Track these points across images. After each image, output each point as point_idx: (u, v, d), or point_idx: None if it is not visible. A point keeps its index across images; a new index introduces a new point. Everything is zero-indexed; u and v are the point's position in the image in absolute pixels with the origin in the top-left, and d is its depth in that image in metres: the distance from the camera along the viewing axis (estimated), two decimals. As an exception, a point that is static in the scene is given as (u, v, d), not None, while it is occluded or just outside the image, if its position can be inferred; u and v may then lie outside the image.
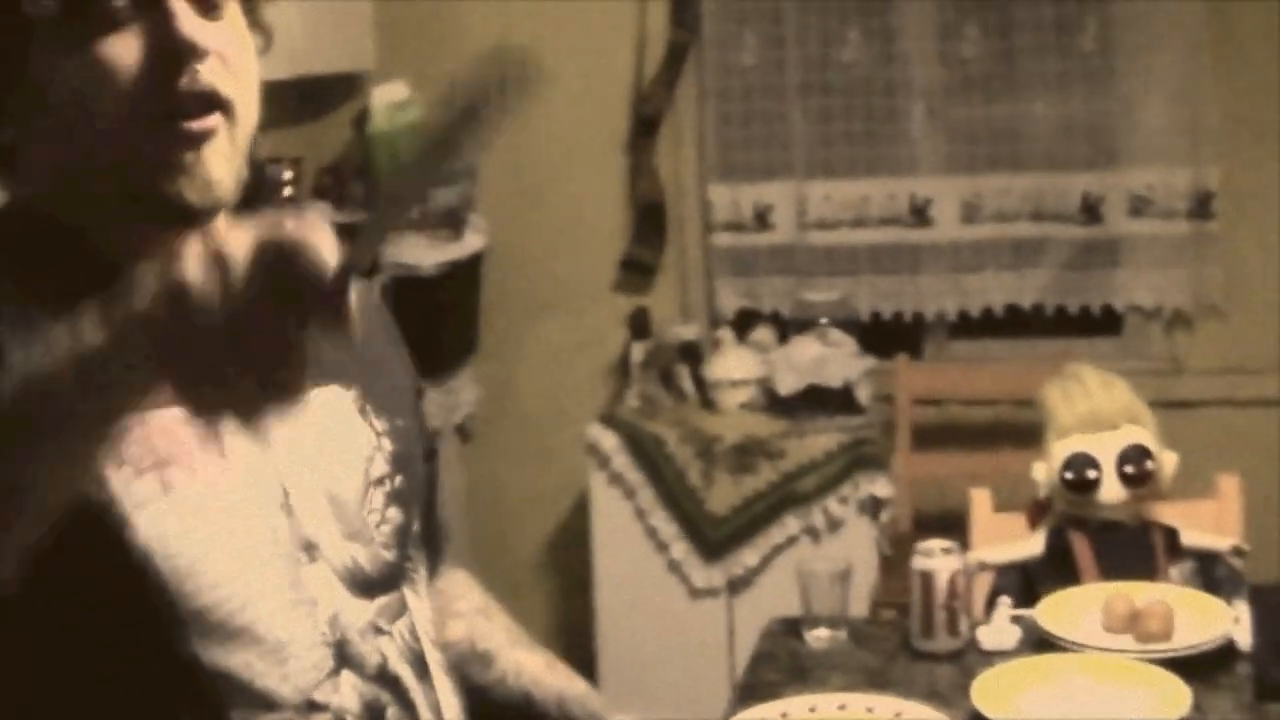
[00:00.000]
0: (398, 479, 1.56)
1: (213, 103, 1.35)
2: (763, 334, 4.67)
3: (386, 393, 1.60)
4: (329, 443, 1.49)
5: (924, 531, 4.27)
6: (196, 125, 1.34)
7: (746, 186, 4.84)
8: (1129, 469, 2.86)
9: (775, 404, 4.47)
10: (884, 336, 4.75)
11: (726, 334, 4.63)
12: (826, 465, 4.29)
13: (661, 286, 4.91)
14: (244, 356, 1.10)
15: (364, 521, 1.50)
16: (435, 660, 1.56)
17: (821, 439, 4.33)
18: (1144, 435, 2.90)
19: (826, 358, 4.44)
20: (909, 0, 4.69)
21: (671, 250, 4.90)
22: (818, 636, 2.69)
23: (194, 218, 1.37)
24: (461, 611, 1.82)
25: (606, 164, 4.90)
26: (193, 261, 1.08)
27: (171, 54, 1.33)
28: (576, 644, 4.42)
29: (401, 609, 1.53)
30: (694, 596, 4.38)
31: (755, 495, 4.32)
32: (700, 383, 4.58)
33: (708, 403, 4.55)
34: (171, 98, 1.33)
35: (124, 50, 1.33)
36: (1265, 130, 4.57)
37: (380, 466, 1.54)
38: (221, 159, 1.37)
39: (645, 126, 4.83)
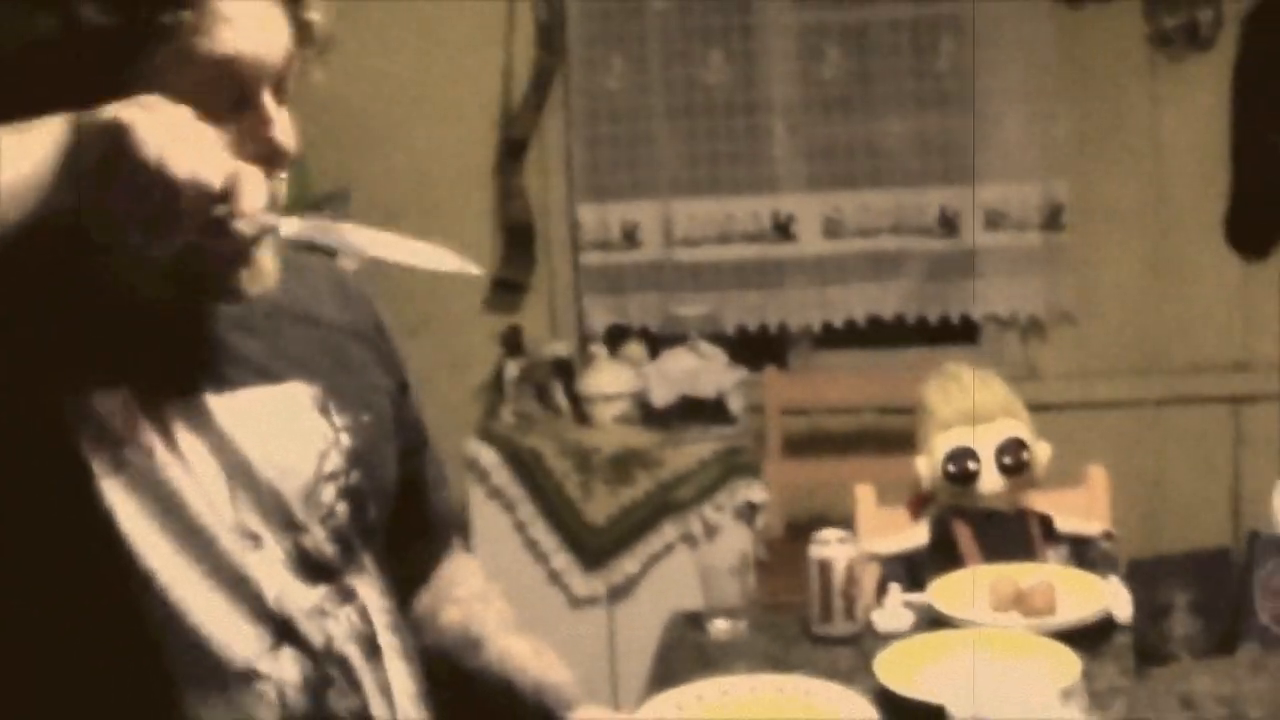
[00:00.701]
0: (353, 475, 1.60)
1: (277, 200, 1.45)
2: (633, 349, 4.78)
3: (354, 389, 1.65)
4: (280, 438, 1.54)
5: (796, 536, 4.42)
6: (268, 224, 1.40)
7: (614, 206, 4.95)
8: (1007, 460, 3.01)
9: (649, 416, 4.59)
10: (751, 349, 4.88)
11: (599, 349, 4.74)
12: (702, 473, 4.41)
13: (532, 305, 5.01)
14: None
15: (309, 514, 1.55)
16: (389, 644, 1.62)
17: (696, 448, 4.45)
18: (1019, 428, 3.05)
19: (698, 370, 4.56)
20: (770, 23, 4.84)
21: (541, 269, 5.00)
22: (719, 627, 2.80)
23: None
24: (459, 597, 1.91)
25: (476, 186, 4.99)
26: None
27: (263, 159, 1.41)
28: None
29: (349, 595, 1.59)
30: (575, 606, 4.47)
31: (633, 504, 4.42)
32: (574, 398, 4.68)
33: (582, 417, 4.65)
34: None
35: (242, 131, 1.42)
36: (1112, 145, 4.79)
37: (334, 462, 1.58)
38: (271, 248, 1.48)
39: (513, 149, 4.93)
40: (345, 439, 1.60)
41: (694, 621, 2.84)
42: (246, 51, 1.40)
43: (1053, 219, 4.82)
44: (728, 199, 4.93)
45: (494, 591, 1.97)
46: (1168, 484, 4.70)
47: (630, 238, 4.96)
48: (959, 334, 4.97)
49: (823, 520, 3.47)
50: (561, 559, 4.45)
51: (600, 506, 4.42)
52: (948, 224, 4.87)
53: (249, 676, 1.47)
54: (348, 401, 1.62)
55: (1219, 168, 4.78)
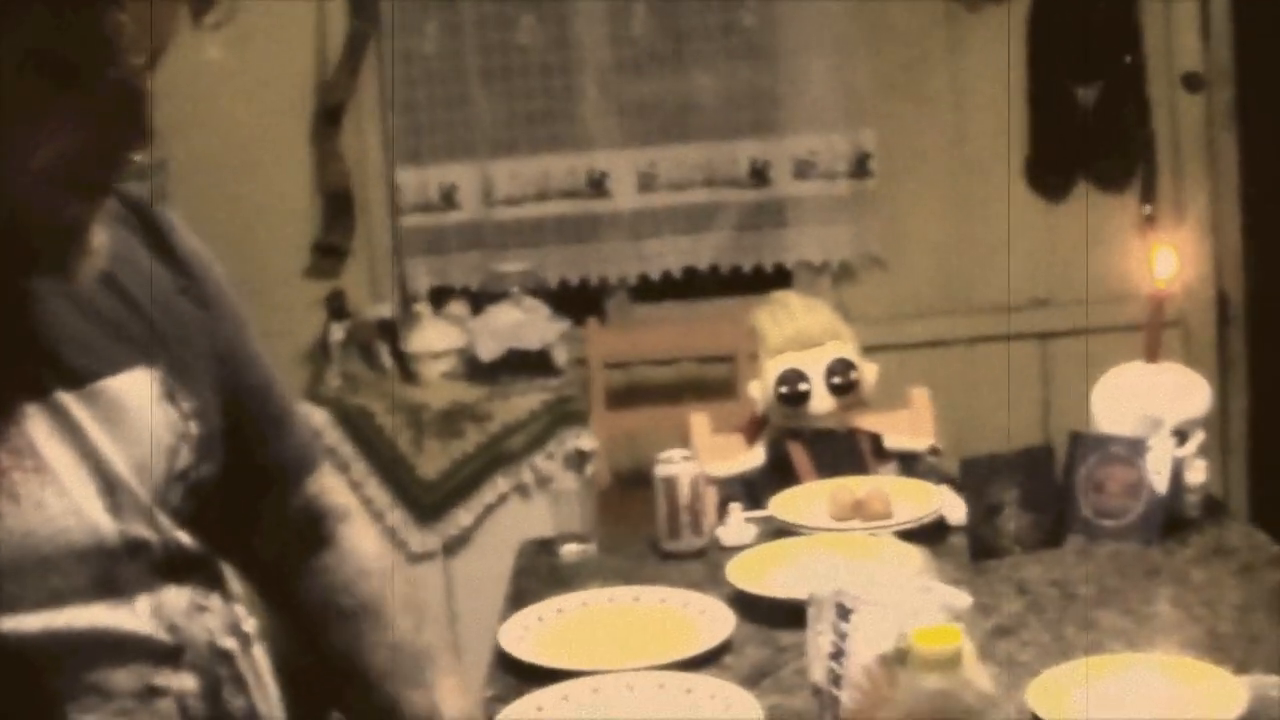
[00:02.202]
0: (203, 466, 1.55)
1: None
2: (456, 307, 4.84)
3: (192, 366, 1.58)
4: (133, 432, 1.48)
5: (623, 486, 4.53)
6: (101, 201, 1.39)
7: (432, 168, 5.00)
8: (836, 380, 3.14)
9: (476, 371, 4.65)
10: (572, 304, 4.96)
11: (424, 308, 4.78)
12: (531, 424, 4.48)
13: (353, 269, 5.04)
14: None
15: (170, 510, 1.50)
16: (252, 628, 1.59)
17: (524, 400, 4.52)
18: (847, 349, 3.18)
19: (523, 323, 4.64)
20: (580, -16, 4.93)
21: (361, 233, 5.03)
22: (569, 550, 2.88)
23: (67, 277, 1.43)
24: (346, 609, 1.77)
25: (292, 153, 5.00)
26: None
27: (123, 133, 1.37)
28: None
29: (215, 583, 1.56)
30: (411, 561, 4.50)
31: (465, 458, 4.48)
32: (400, 357, 4.73)
33: (409, 376, 4.70)
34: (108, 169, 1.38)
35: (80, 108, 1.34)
36: (914, 93, 4.95)
37: (185, 456, 1.53)
38: (105, 224, 1.42)
39: (329, 115, 4.95)
40: (194, 426, 1.54)
41: (544, 547, 2.92)
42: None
43: (859, 167, 4.97)
44: (544, 158, 5.00)
45: (392, 599, 1.80)
46: (980, 420, 4.85)
47: (449, 199, 5.01)
48: (773, 282, 5.08)
49: (646, 470, 3.55)
50: (396, 515, 4.49)
51: (432, 462, 4.48)
52: (758, 175, 5.00)
53: (148, 694, 1.44)
54: (190, 383, 1.56)
55: (1017, 113, 4.96)
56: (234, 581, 1.61)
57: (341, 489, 1.85)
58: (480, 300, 4.87)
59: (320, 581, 1.77)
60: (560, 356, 4.67)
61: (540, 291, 4.87)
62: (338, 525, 1.79)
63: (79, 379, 1.44)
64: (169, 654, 1.46)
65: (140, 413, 1.48)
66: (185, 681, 1.46)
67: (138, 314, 1.53)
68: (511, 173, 4.99)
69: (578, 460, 4.50)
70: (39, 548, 1.37)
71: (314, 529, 1.77)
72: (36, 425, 1.40)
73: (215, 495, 1.58)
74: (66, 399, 1.43)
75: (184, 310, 1.60)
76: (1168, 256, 2.80)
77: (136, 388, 1.49)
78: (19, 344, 1.42)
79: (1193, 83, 4.91)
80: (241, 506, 1.69)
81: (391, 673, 1.74)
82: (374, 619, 1.75)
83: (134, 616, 1.44)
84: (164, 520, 1.48)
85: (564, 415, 4.51)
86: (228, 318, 1.67)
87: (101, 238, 1.40)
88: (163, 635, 1.46)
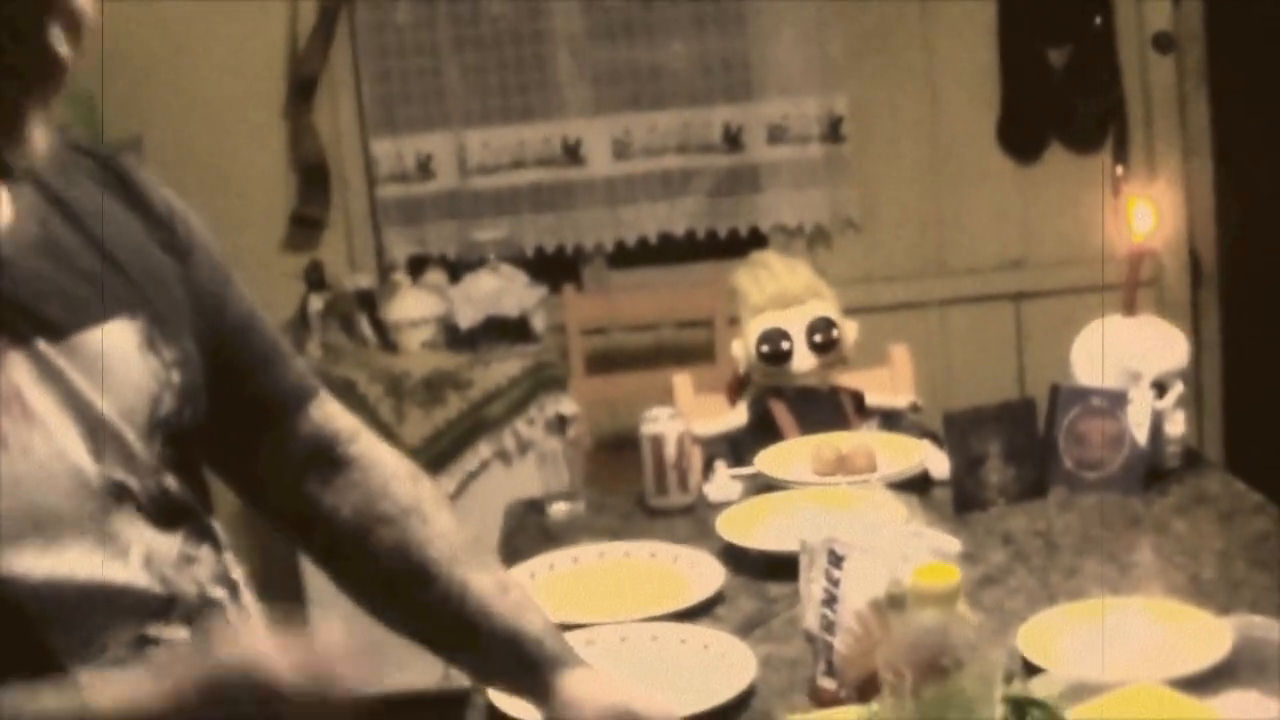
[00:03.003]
0: (186, 413, 1.56)
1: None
2: (434, 276, 4.86)
3: (172, 315, 1.58)
4: (116, 381, 1.49)
5: (603, 451, 4.55)
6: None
7: (408, 138, 5.02)
8: (817, 338, 3.17)
9: (456, 339, 4.68)
10: (549, 271, 4.99)
11: (402, 278, 4.80)
12: (512, 390, 4.51)
13: (330, 240, 5.06)
14: None
15: (156, 457, 1.51)
16: (240, 576, 1.61)
17: (505, 366, 4.55)
18: (828, 308, 3.21)
19: (501, 290, 4.66)
20: (551, -49, 4.94)
21: (338, 204, 5.05)
22: (558, 509, 2.91)
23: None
24: (388, 515, 1.72)
25: (267, 127, 5.01)
26: None
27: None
28: (283, 579, 4.53)
29: (203, 534, 1.57)
30: (395, 527, 4.53)
31: (447, 425, 4.51)
32: (380, 326, 4.74)
33: (389, 345, 4.72)
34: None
35: None
36: (886, 57, 4.98)
37: (168, 403, 1.54)
38: (44, 123, 1.41)
39: (303, 88, 4.96)
40: (176, 375, 1.55)
41: (533, 506, 2.95)
42: None
43: (833, 131, 5.00)
44: (518, 126, 5.03)
45: (429, 498, 1.75)
46: (956, 380, 4.89)
47: (425, 169, 5.03)
48: (747, 246, 5.09)
49: (626, 434, 3.57)
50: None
51: (415, 429, 4.50)
52: (732, 141, 5.02)
53: (140, 644, 1.45)
54: (171, 328, 1.57)
55: (989, 76, 5.00)
56: (221, 531, 1.62)
57: (344, 413, 1.82)
58: (458, 269, 4.90)
59: (351, 498, 1.74)
60: (539, 323, 4.70)
61: (517, 259, 4.90)
62: (350, 445, 1.77)
63: (60, 331, 1.46)
64: (161, 605, 1.48)
65: (122, 362, 1.50)
66: (177, 633, 1.48)
67: (115, 266, 1.54)
68: (486, 142, 5.01)
69: (559, 425, 4.52)
70: (29, 494, 1.39)
71: (328, 453, 1.75)
72: (20, 372, 1.42)
73: (201, 441, 1.60)
74: (49, 349, 1.44)
75: (161, 260, 1.61)
76: (1145, 211, 2.84)
77: (117, 338, 1.50)
78: (3, 297, 1.43)
79: (1163, 43, 4.95)
80: (246, 444, 1.71)
81: (452, 559, 1.69)
82: (420, 516, 1.71)
83: (127, 568, 1.46)
84: (149, 466, 1.50)
85: (544, 381, 4.54)
86: (206, 262, 1.67)
87: (40, 137, 1.40)
88: (155, 587, 1.48)
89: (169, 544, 1.51)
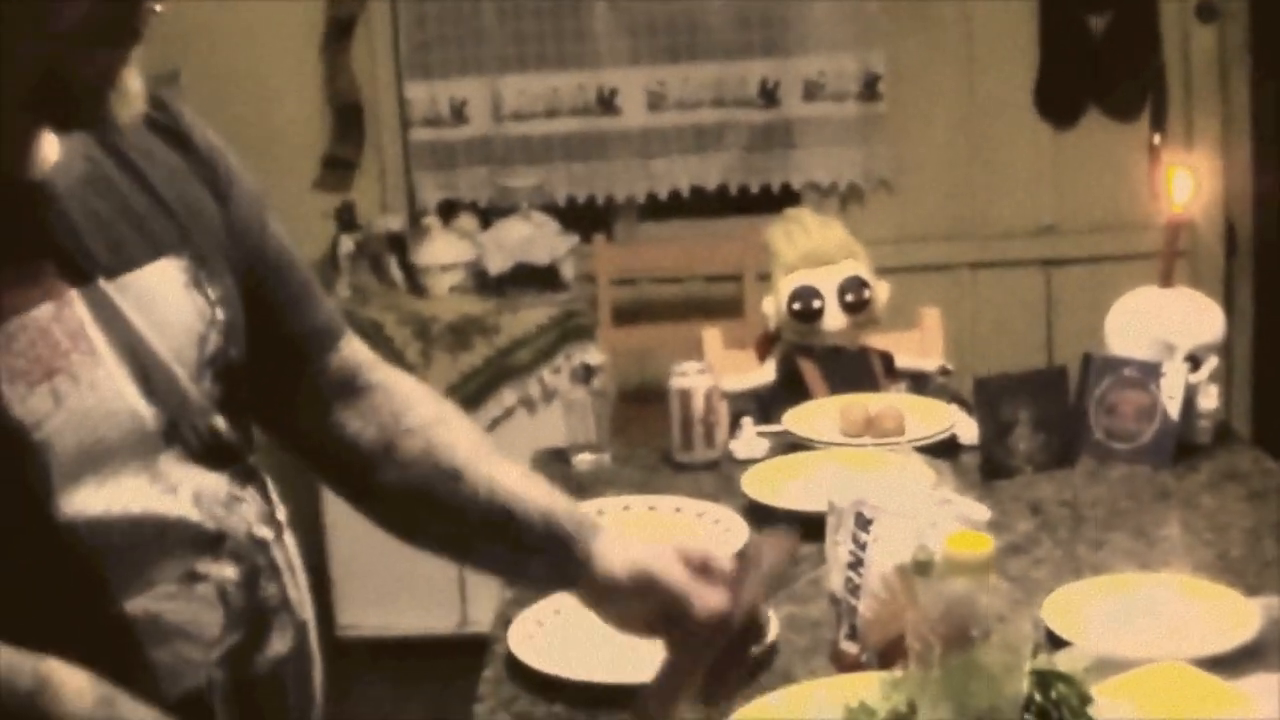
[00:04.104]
0: (231, 351, 1.57)
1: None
2: (465, 221, 4.85)
3: (213, 253, 1.60)
4: (166, 321, 1.50)
5: (627, 401, 4.54)
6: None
7: (442, 83, 5.00)
8: (849, 297, 3.15)
9: (484, 285, 4.67)
10: (580, 221, 4.97)
11: (433, 221, 4.79)
12: (539, 338, 4.50)
13: (363, 182, 5.06)
14: None
15: (205, 396, 1.53)
16: (284, 516, 1.63)
17: (532, 313, 4.55)
18: (860, 268, 3.19)
19: (532, 237, 4.65)
20: (593, -102, 4.91)
21: (371, 146, 5.04)
22: (583, 460, 2.90)
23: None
24: (413, 427, 1.73)
25: (303, 66, 5.00)
26: None
27: None
28: (306, 526, 4.54)
29: (249, 474, 1.59)
30: (417, 472, 4.53)
31: (473, 371, 4.50)
32: (409, 270, 4.74)
33: (418, 288, 4.71)
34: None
35: None
36: (925, 17, 4.95)
37: (214, 341, 1.55)
38: (137, 70, 1.43)
39: (340, 28, 4.95)
40: (220, 313, 1.57)
41: (558, 456, 2.94)
42: None
43: (869, 89, 4.97)
44: (554, 74, 5.01)
45: (451, 411, 1.78)
46: (983, 345, 4.88)
47: (459, 114, 5.02)
48: (780, 204, 5.08)
49: (651, 386, 3.57)
50: (404, 429, 4.50)
51: (441, 373, 4.49)
52: (767, 96, 5.00)
53: (189, 580, 1.47)
54: (215, 266, 1.58)
55: (1028, 40, 4.96)
56: (266, 471, 1.63)
57: (364, 347, 1.83)
58: (489, 215, 4.89)
59: (377, 418, 1.74)
60: (568, 272, 4.69)
61: (548, 208, 4.88)
62: (371, 373, 1.78)
63: (112, 270, 1.47)
64: (210, 541, 1.49)
65: (170, 301, 1.51)
66: (225, 569, 1.50)
67: (161, 205, 1.56)
68: (521, 89, 4.99)
69: (584, 374, 4.50)
70: (96, 428, 1.41)
71: (352, 383, 1.76)
72: (82, 310, 1.44)
73: (244, 379, 1.60)
74: (106, 287, 1.46)
75: (202, 197, 1.62)
76: (1184, 180, 2.81)
77: (165, 277, 1.52)
78: (54, 234, 1.45)
79: (1206, 13, 4.90)
80: (280, 381, 1.71)
81: (477, 458, 1.70)
82: (444, 424, 1.73)
83: (179, 503, 1.48)
84: (198, 405, 1.52)
85: (571, 330, 4.53)
86: (245, 201, 1.67)
87: (137, 84, 1.43)
88: (206, 523, 1.49)
89: (217, 483, 1.52)
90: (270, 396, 1.70)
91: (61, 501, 1.39)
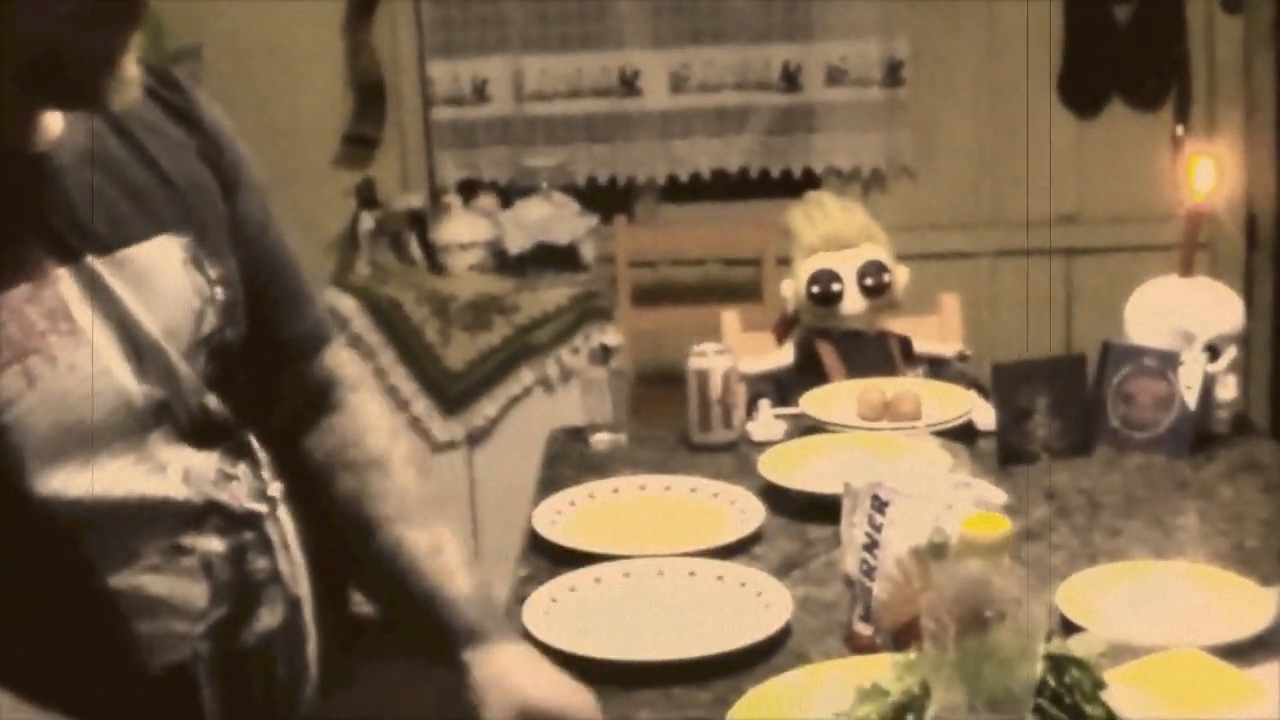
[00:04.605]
0: (228, 330, 1.59)
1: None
2: (486, 200, 4.86)
3: (216, 233, 1.61)
4: (161, 298, 1.52)
5: (645, 383, 4.54)
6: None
7: (464, 62, 5.01)
8: (868, 281, 3.15)
9: (504, 264, 4.68)
10: (600, 202, 4.97)
11: (454, 200, 4.80)
12: (557, 318, 4.50)
13: (383, 160, 5.06)
14: None
15: (198, 374, 1.54)
16: (277, 491, 1.64)
17: (552, 293, 4.55)
18: (880, 252, 3.19)
19: (552, 217, 4.65)
20: (618, -122, 4.91)
21: (392, 124, 5.04)
22: (600, 439, 2.90)
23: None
24: (353, 462, 1.76)
25: (326, 43, 5.00)
26: None
27: None
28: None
29: (242, 451, 1.60)
30: (435, 450, 4.55)
31: (491, 350, 4.50)
32: (429, 248, 4.74)
33: (436, 266, 4.72)
34: None
35: None
36: (948, 3, 4.94)
37: (211, 320, 1.57)
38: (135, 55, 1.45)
39: (363, 5, 4.95)
40: (220, 292, 1.58)
41: (575, 435, 2.94)
42: None
43: (892, 75, 4.96)
44: (576, 55, 5.01)
45: (400, 454, 1.79)
46: (1002, 333, 4.87)
47: (480, 93, 5.02)
48: (801, 188, 5.07)
49: (669, 368, 3.56)
50: (421, 405, 4.52)
51: (459, 352, 4.50)
52: (790, 79, 4.99)
53: (174, 552, 1.48)
54: (216, 245, 1.60)
55: (1052, 28, 4.94)
56: (260, 449, 1.64)
57: (353, 361, 1.87)
58: (509, 194, 4.89)
59: (327, 440, 1.78)
60: (588, 252, 4.69)
61: (569, 188, 4.88)
62: (348, 393, 1.81)
63: (107, 245, 1.48)
64: (197, 516, 1.50)
65: (167, 278, 1.53)
66: (211, 543, 1.51)
67: (164, 182, 1.57)
68: (544, 68, 5.00)
69: (603, 355, 4.50)
70: (73, 409, 1.42)
71: (325, 397, 1.79)
72: (68, 288, 1.44)
73: (239, 361, 1.62)
74: (96, 264, 1.47)
75: (207, 178, 1.63)
76: (1207, 169, 2.80)
77: (163, 254, 1.53)
78: (48, 210, 1.45)
79: (1231, 3, 4.89)
80: (261, 379, 1.72)
81: (396, 516, 1.72)
82: (381, 470, 1.75)
83: (166, 482, 1.49)
84: (191, 384, 1.52)
85: (590, 310, 4.53)
86: (251, 188, 1.70)
87: (134, 70, 1.45)
88: (193, 498, 1.50)
89: (206, 461, 1.53)
90: (253, 392, 1.71)
91: (36, 483, 1.39)
